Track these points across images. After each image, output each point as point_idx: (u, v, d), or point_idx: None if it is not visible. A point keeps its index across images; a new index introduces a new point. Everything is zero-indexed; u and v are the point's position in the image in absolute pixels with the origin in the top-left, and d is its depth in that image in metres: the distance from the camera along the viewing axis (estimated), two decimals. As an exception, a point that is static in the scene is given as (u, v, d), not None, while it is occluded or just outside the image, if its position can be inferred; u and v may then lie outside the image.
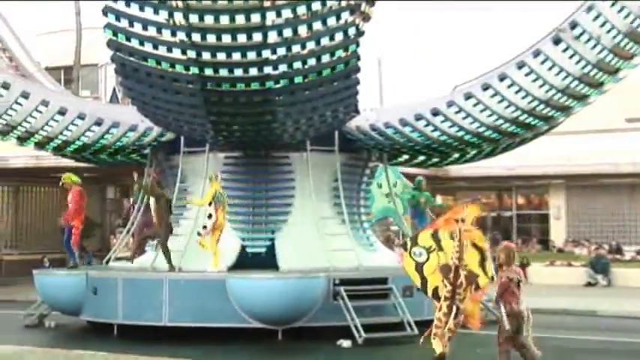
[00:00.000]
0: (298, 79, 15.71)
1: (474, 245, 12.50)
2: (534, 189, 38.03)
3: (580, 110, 18.98)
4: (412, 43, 41.89)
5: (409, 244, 12.85)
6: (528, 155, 28.31)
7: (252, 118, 17.06)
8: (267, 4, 14.37)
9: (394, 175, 22.94)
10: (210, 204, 17.74)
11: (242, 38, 14.55)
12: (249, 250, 19.18)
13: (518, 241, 36.04)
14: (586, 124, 28.91)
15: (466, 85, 18.56)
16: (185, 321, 17.31)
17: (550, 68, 17.47)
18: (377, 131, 19.40)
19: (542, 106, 18.15)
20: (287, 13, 14.53)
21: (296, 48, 15.11)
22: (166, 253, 18.33)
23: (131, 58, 15.61)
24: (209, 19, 14.28)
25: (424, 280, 12.77)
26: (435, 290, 12.71)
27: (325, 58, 15.44)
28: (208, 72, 15.25)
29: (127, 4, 14.50)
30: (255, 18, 14.33)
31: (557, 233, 36.63)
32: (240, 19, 14.27)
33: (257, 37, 14.57)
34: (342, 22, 14.91)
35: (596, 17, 16.82)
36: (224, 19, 14.24)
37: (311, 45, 15.12)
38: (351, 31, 15.09)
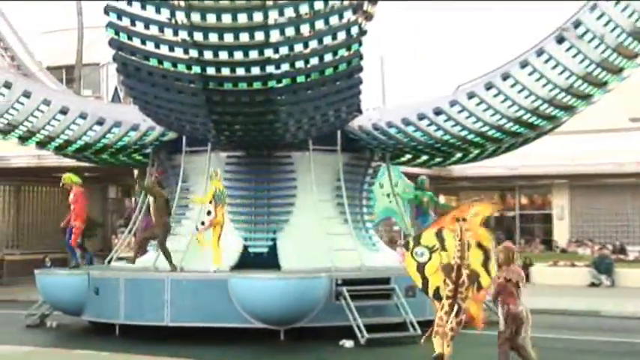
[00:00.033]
0: (301, 79, 15.66)
1: (479, 245, 12.48)
2: (537, 189, 37.97)
3: (583, 110, 18.90)
4: (415, 42, 41.83)
5: (412, 243, 12.81)
6: (531, 155, 28.23)
7: (255, 118, 17.03)
8: (269, 3, 14.31)
9: (395, 174, 22.87)
10: (210, 201, 17.71)
11: (244, 37, 14.50)
12: (251, 250, 19.15)
13: (521, 241, 36.03)
14: (590, 123, 28.81)
15: (469, 85, 18.49)
16: (187, 321, 17.29)
17: (553, 67, 17.38)
18: (379, 131, 19.34)
19: (545, 106, 18.06)
20: (289, 12, 14.45)
21: (298, 47, 15.04)
22: (166, 253, 18.31)
23: (133, 57, 15.59)
24: (211, 18, 14.26)
25: (425, 281, 12.74)
26: (436, 291, 12.69)
27: (328, 58, 15.39)
28: (210, 71, 15.20)
29: (129, 3, 14.45)
30: (258, 17, 14.29)
31: (561, 233, 36.52)
32: (242, 18, 14.22)
33: (259, 36, 14.52)
34: (344, 21, 14.85)
35: (600, 16, 16.71)
36: (226, 18, 14.20)
37: (313, 44, 15.07)
38: (354, 30, 15.02)
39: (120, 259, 20.62)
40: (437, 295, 12.71)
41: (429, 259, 12.61)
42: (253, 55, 14.85)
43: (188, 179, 19.92)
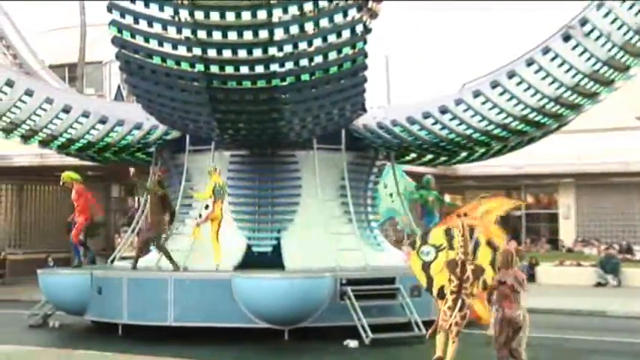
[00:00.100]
0: (305, 77, 15.58)
1: (489, 243, 12.46)
2: (543, 188, 37.87)
3: (590, 108, 18.83)
4: (420, 40, 41.80)
5: (418, 242, 12.79)
6: (537, 154, 28.11)
7: (259, 116, 16.97)
8: (273, 0, 14.24)
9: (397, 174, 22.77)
10: (210, 196, 17.70)
11: (248, 35, 14.43)
12: (255, 249, 19.09)
13: (527, 241, 35.94)
14: (596, 122, 28.75)
15: (475, 83, 18.43)
16: (190, 321, 17.23)
17: (560, 65, 17.29)
18: (384, 129, 19.27)
19: (551, 104, 17.99)
20: (294, 10, 14.40)
21: (303, 45, 14.95)
22: (165, 253, 18.31)
23: (136, 56, 15.52)
24: (215, 16, 14.16)
25: (430, 280, 12.78)
26: (441, 289, 12.76)
27: (332, 56, 15.30)
28: (214, 69, 15.14)
29: (132, 1, 14.37)
30: (262, 15, 14.19)
31: (567, 233, 36.41)
32: (246, 16, 14.14)
33: (263, 34, 14.46)
34: (349, 19, 14.75)
35: (607, 14, 16.62)
36: (230, 16, 14.12)
37: (318, 42, 14.99)
38: (359, 28, 14.94)
39: (123, 258, 20.56)
40: (441, 294, 12.72)
41: (435, 257, 12.62)
42: (257, 53, 14.76)
43: (192, 178, 19.85)
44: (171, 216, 19.31)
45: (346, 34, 14.91)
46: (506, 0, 40.55)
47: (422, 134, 19.06)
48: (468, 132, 18.76)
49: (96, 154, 21.29)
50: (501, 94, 17.86)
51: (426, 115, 18.66)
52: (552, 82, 17.54)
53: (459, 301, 12.49)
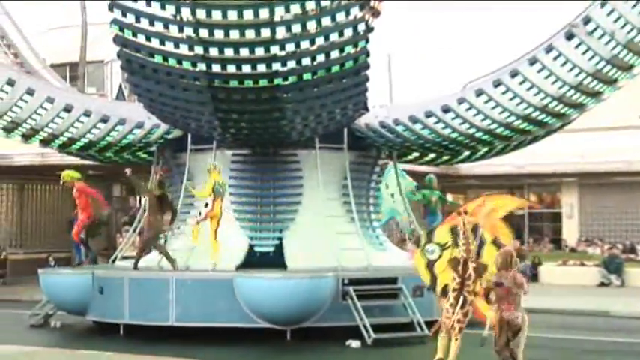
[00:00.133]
0: (307, 76, 15.56)
1: (494, 241, 12.45)
2: (546, 187, 37.83)
3: (593, 107, 18.75)
4: (422, 39, 41.78)
5: (423, 240, 12.78)
6: (540, 153, 28.12)
7: (260, 116, 16.93)
8: (275, -1, 14.21)
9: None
10: (209, 194, 17.66)
11: (250, 34, 14.42)
12: (256, 249, 19.06)
13: (529, 240, 35.87)
14: (599, 121, 28.74)
15: (477, 82, 18.38)
16: (192, 321, 17.16)
17: (563, 64, 17.24)
18: (386, 129, 19.22)
19: (554, 103, 17.93)
20: (296, 9, 14.42)
21: (305, 44, 14.95)
22: (163, 252, 18.32)
23: (137, 55, 15.52)
24: (217, 15, 14.16)
25: (434, 278, 12.80)
26: (444, 288, 12.79)
27: (334, 55, 15.28)
28: (216, 68, 15.11)
29: (134, 0, 14.31)
30: (264, 14, 14.18)
31: (570, 232, 36.33)
32: (248, 15, 14.13)
33: (265, 32, 14.44)
34: (351, 17, 14.76)
35: (610, 12, 16.58)
36: (232, 15, 14.12)
37: (320, 41, 15.01)
38: (361, 27, 14.94)
39: (124, 258, 20.52)
40: (444, 293, 12.77)
41: (440, 256, 12.65)
42: (259, 52, 14.75)
43: (193, 178, 19.81)
44: (173, 215, 19.27)
45: (348, 32, 14.89)
46: (508, 0, 40.53)
47: (424, 133, 19.00)
48: (471, 131, 18.70)
49: (97, 154, 21.25)
50: (504, 92, 17.80)
51: (429, 114, 18.61)
52: (555, 81, 17.48)
53: (461, 299, 12.47)
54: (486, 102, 18.03)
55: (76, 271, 19.34)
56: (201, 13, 14.19)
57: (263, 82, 15.42)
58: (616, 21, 16.60)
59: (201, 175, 19.43)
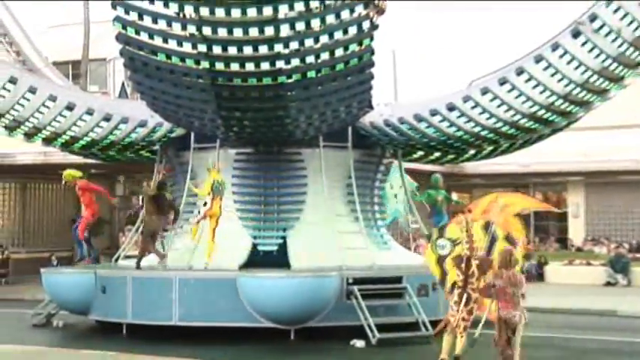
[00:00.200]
0: (311, 74, 15.51)
1: (507, 237, 12.59)
2: (552, 186, 37.72)
3: (599, 105, 18.64)
4: (427, 37, 41.71)
5: (435, 235, 12.91)
6: (546, 152, 28.04)
7: (264, 114, 16.87)
8: (279, -3, 14.12)
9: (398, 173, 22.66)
10: (209, 193, 17.59)
11: (254, 32, 14.34)
12: (260, 248, 19.00)
13: (535, 240, 35.75)
14: (605, 119, 28.57)
15: (483, 80, 18.32)
16: (195, 320, 17.11)
17: (569, 62, 17.16)
18: (391, 127, 19.18)
19: (560, 101, 17.85)
20: (300, 6, 14.32)
21: (309, 42, 14.87)
22: (144, 251, 18.44)
23: (140, 52, 15.45)
24: (220, 12, 14.07)
25: (444, 274, 12.92)
26: (454, 285, 12.90)
27: (339, 53, 15.21)
28: (219, 66, 15.07)
29: (137, -3, 14.31)
30: (267, 11, 14.12)
31: (576, 232, 36.24)
32: (251, 12, 14.05)
33: (269, 30, 14.35)
34: (355, 15, 14.69)
35: (617, 9, 16.50)
36: (235, 12, 14.02)
37: (324, 39, 14.88)
38: (365, 24, 14.88)
39: (127, 257, 20.46)
40: (452, 289, 12.83)
41: (451, 252, 12.72)
42: (263, 50, 14.69)
43: (196, 176, 19.74)
44: (175, 215, 19.25)
45: (353, 30, 14.82)
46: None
47: (429, 132, 18.94)
48: (476, 129, 18.63)
49: (100, 152, 21.26)
50: (510, 91, 17.74)
51: (434, 113, 18.55)
52: (561, 79, 17.41)
53: (465, 297, 12.56)
54: (492, 100, 17.95)
55: (79, 271, 19.30)
56: (204, 11, 14.11)
57: (267, 80, 15.34)
58: (622, 18, 16.52)
59: (204, 174, 19.33)
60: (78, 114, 19.14)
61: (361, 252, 18.30)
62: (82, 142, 20.04)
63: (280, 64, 14.95)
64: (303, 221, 19.14)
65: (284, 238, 19.01)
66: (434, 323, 16.05)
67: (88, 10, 35.35)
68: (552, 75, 17.35)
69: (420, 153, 21.82)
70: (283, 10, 14.28)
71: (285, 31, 14.45)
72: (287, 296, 16.36)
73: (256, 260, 18.54)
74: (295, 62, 15.05)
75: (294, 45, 14.74)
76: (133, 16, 14.56)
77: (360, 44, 15.15)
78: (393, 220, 23.52)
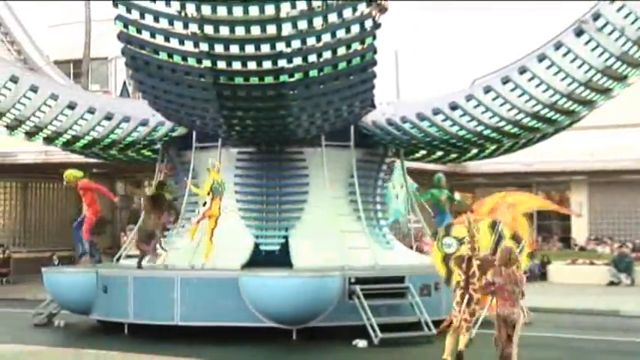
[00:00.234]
0: (313, 73, 15.45)
1: (514, 236, 12.73)
2: (555, 185, 37.62)
3: (603, 104, 18.59)
4: (430, 35, 41.64)
5: (441, 233, 13.03)
6: (549, 151, 28.00)
7: (266, 113, 16.83)
8: (281, -5, 14.05)
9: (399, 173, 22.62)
10: (208, 193, 17.55)
11: (256, 30, 14.27)
12: (262, 247, 18.96)
13: (538, 239, 35.66)
14: (609, 118, 28.50)
15: (485, 79, 18.27)
16: (197, 320, 17.09)
17: (572, 61, 17.12)
18: (394, 126, 19.14)
19: (563, 100, 17.82)
20: (302, 5, 14.22)
21: (311, 40, 14.83)
22: (143, 251, 18.50)
23: (142, 51, 15.39)
24: (222, 11, 14.01)
25: (449, 272, 12.98)
26: (458, 283, 12.83)
27: (341, 51, 15.15)
28: (221, 65, 15.01)
29: (138, -4, 14.26)
30: (270, 9, 14.07)
31: (579, 231, 36.17)
32: (253, 11, 13.99)
33: (271, 29, 14.29)
34: (358, 13, 14.61)
35: (620, 8, 16.46)
36: (237, 11, 13.96)
37: (326, 37, 14.83)
38: (368, 23, 14.80)
39: (128, 256, 20.44)
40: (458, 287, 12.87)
41: (457, 250, 12.75)
42: (265, 48, 14.62)
43: (198, 176, 19.70)
44: (177, 215, 19.22)
45: (355, 29, 14.76)
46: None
47: (432, 131, 18.90)
48: (479, 128, 18.60)
49: (101, 151, 21.24)
50: (513, 89, 17.70)
51: (436, 112, 18.51)
52: (564, 78, 17.37)
53: (466, 297, 12.60)
54: (495, 99, 17.91)
55: (80, 270, 19.27)
56: (206, 10, 14.06)
57: (269, 79, 15.30)
58: (626, 17, 16.49)
59: (206, 173, 19.33)
60: (79, 113, 19.13)
61: (363, 251, 18.25)
62: (83, 141, 20.03)
63: (282, 62, 14.89)
64: (305, 221, 19.09)
65: (286, 237, 18.96)
66: (436, 323, 16.08)
67: (89, 8, 35.30)
68: (555, 74, 17.31)
69: (423, 152, 21.77)
70: (285, 9, 14.18)
71: (287, 29, 14.40)
72: (289, 296, 16.32)
73: (258, 260, 18.50)
74: (297, 61, 15.00)
75: (296, 43, 14.69)
76: (134, 15, 14.50)
77: (363, 43, 15.10)
78: (395, 220, 23.51)
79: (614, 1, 16.48)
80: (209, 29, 14.30)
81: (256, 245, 18.90)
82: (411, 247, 21.94)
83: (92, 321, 19.16)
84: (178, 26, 14.68)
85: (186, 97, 16.55)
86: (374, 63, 15.56)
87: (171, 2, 14.22)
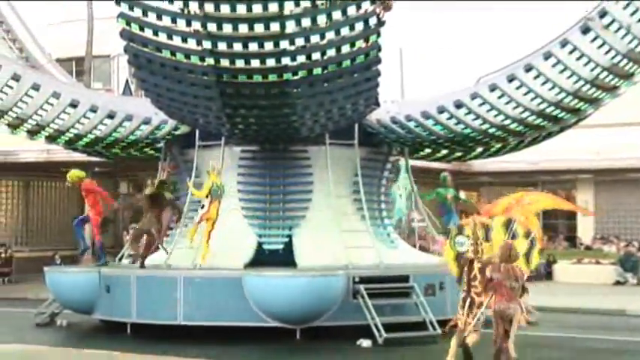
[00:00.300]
0: (317, 71, 15.36)
1: (527, 234, 12.69)
2: (561, 184, 37.49)
3: (609, 102, 18.50)
4: (434, 33, 41.64)
5: (453, 232, 12.98)
6: (555, 149, 27.93)
7: (270, 111, 16.76)
8: (284, -8, 13.97)
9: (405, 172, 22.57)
10: (207, 196, 17.48)
11: (259, 28, 14.20)
12: (266, 246, 18.89)
13: (544, 238, 35.49)
14: (615, 116, 28.48)
15: (491, 77, 18.25)
16: (200, 320, 17.02)
17: (578, 59, 17.03)
18: (398, 124, 19.09)
19: (569, 98, 17.74)
20: (305, 2, 14.19)
21: (315, 38, 14.73)
22: (135, 250, 18.64)
23: (145, 49, 15.31)
24: (225, 8, 13.95)
25: (462, 271, 12.83)
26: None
27: (345, 49, 15.09)
28: (224, 63, 14.92)
29: (141, -7, 14.20)
30: (273, 7, 14.00)
31: (585, 230, 36.07)
32: (257, 9, 13.94)
33: (275, 27, 14.23)
34: (362, 11, 14.56)
35: (627, 5, 16.37)
36: (241, 9, 13.91)
37: (330, 35, 14.76)
38: (372, 21, 14.72)
39: (130, 255, 20.34)
40: None
41: (469, 250, 12.76)
42: (268, 46, 14.53)
43: (201, 175, 19.61)
44: (179, 214, 19.16)
45: (359, 26, 14.70)
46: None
47: (437, 129, 18.84)
48: (484, 127, 18.52)
49: (104, 150, 21.21)
50: (518, 87, 17.63)
51: (441, 110, 18.44)
52: (570, 76, 17.28)
53: (468, 300, 12.55)
54: (500, 97, 17.83)
55: (83, 270, 19.23)
56: (209, 7, 14.00)
57: (272, 77, 15.23)
58: (633, 14, 16.38)
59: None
60: (81, 111, 19.09)
61: (368, 251, 18.19)
62: (85, 140, 19.99)
63: (286, 60, 14.82)
64: (309, 219, 19.03)
65: (290, 236, 18.90)
66: (441, 322, 16.01)
67: (91, 6, 35.27)
68: (561, 72, 17.23)
69: (427, 150, 21.70)
70: (289, 6, 14.12)
71: (290, 27, 14.33)
72: (293, 295, 16.28)
73: (262, 259, 18.44)
74: (301, 59, 14.94)
75: (299, 41, 14.63)
76: (137, 13, 14.43)
77: (367, 40, 15.03)
78: (399, 219, 23.45)
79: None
80: (212, 27, 14.23)
81: (259, 244, 18.82)
82: (414, 246, 21.88)
83: (94, 321, 19.10)
84: (181, 24, 14.59)
85: (189, 95, 16.48)
86: (378, 61, 15.48)
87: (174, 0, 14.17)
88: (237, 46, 14.52)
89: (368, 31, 14.76)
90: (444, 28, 42.36)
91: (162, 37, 14.79)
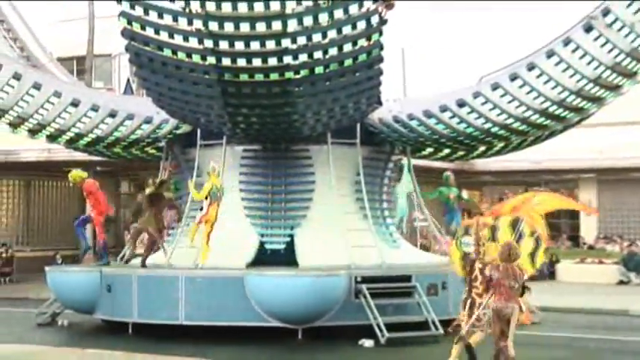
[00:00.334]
0: (319, 70, 15.34)
1: (533, 234, 12.66)
2: (564, 183, 37.44)
3: (612, 101, 18.46)
4: (437, 32, 41.62)
5: (460, 232, 12.99)
6: (558, 148, 27.93)
7: (271, 110, 16.73)
8: (286, -9, 13.94)
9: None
10: (206, 197, 17.46)
11: (261, 27, 14.19)
12: (267, 246, 18.89)
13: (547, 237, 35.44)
14: (618, 115, 28.37)
15: (493, 75, 18.23)
16: (202, 319, 17.00)
17: (581, 57, 17.01)
18: (400, 123, 19.06)
19: (572, 97, 17.70)
20: (307, 1, 14.18)
21: (317, 37, 14.70)
22: (132, 249, 18.75)
23: (146, 48, 15.31)
24: (227, 7, 13.92)
25: (467, 271, 12.82)
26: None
27: (347, 48, 15.05)
28: (226, 62, 14.88)
29: (142, -8, 14.17)
30: (275, 6, 13.98)
31: (588, 229, 36.04)
32: (259, 7, 13.91)
33: (276, 25, 14.21)
34: (364, 10, 14.55)
35: (630, 4, 16.33)
36: (242, 7, 13.89)
37: (332, 34, 14.73)
38: (374, 19, 14.72)
39: (137, 255, 20.32)
40: None
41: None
42: (270, 45, 14.51)
43: (202, 174, 19.58)
44: (179, 214, 19.15)
45: (361, 25, 14.70)
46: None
47: (439, 128, 18.81)
48: (487, 126, 18.50)
49: (105, 149, 21.20)
50: (521, 86, 17.61)
51: (444, 109, 18.42)
52: (573, 75, 17.26)
53: (469, 301, 12.54)
54: (502, 96, 17.82)
55: (84, 269, 19.20)
56: (210, 5, 13.97)
57: (274, 76, 15.21)
58: (636, 13, 16.35)
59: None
60: (83, 110, 19.08)
61: (370, 250, 18.15)
62: (86, 139, 19.98)
63: (288, 59, 14.79)
64: (311, 219, 19.00)
65: (292, 236, 18.87)
66: (443, 322, 15.99)
67: (92, 5, 35.25)
68: (564, 70, 17.21)
69: (430, 149, 21.65)
70: (291, 5, 14.10)
71: (292, 26, 14.30)
72: (295, 295, 16.27)
73: (264, 258, 18.44)
74: (303, 58, 14.91)
75: (301, 40, 14.61)
76: (138, 11, 14.42)
77: (369, 39, 15.02)
78: (401, 219, 23.42)
79: (623, -2, 16.39)
80: (214, 25, 14.22)
81: (261, 244, 18.81)
82: (416, 245, 21.84)
83: (96, 320, 19.10)
84: (183, 22, 14.55)
85: (190, 94, 16.46)
86: (380, 60, 15.46)
87: (176, -1, 14.18)
88: (239, 45, 14.47)
89: (370, 29, 14.74)
90: (446, 27, 42.35)
91: (163, 36, 14.77)
